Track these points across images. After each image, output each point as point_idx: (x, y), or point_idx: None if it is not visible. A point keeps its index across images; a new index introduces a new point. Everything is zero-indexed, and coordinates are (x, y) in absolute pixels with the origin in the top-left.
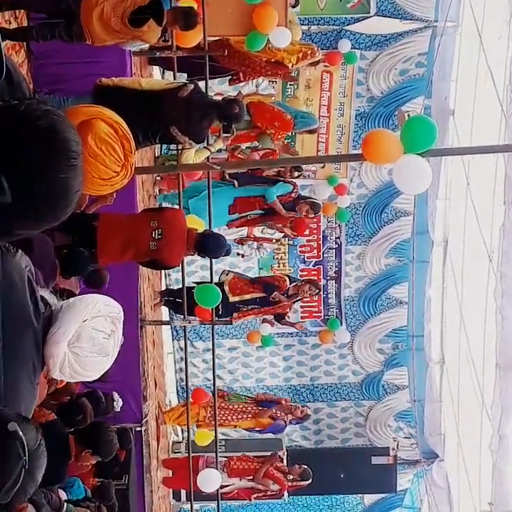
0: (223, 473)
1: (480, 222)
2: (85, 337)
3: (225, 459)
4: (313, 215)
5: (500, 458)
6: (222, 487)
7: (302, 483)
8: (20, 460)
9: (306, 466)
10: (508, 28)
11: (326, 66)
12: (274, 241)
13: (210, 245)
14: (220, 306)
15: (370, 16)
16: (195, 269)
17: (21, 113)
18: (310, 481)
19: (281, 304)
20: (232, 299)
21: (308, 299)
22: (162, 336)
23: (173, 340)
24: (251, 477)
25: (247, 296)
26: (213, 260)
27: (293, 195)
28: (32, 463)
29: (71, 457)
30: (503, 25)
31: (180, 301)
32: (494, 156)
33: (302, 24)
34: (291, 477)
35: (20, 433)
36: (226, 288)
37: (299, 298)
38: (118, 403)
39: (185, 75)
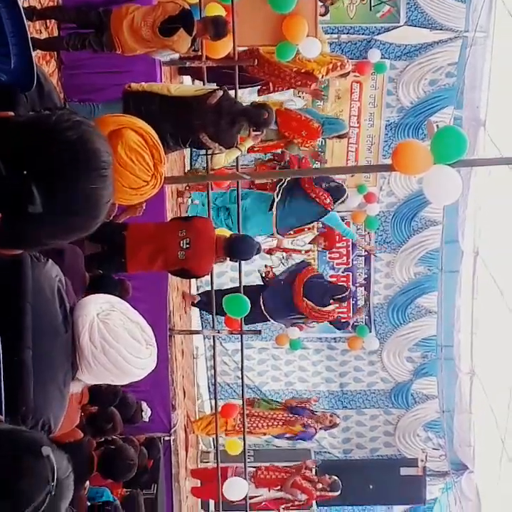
0: (251, 483)
1: None
2: (116, 317)
3: (253, 469)
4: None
5: None
6: (250, 498)
7: (331, 493)
8: (47, 485)
9: (336, 477)
10: None
11: (355, 76)
12: (302, 252)
13: (240, 248)
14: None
15: (400, 26)
16: (225, 268)
17: (52, 124)
18: (339, 492)
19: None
20: None
21: (338, 306)
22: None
23: (203, 338)
24: (279, 487)
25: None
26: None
27: None
28: (59, 491)
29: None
30: None
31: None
32: None
33: (332, 33)
34: (320, 486)
35: (53, 458)
36: None
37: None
38: (146, 413)
39: (215, 84)
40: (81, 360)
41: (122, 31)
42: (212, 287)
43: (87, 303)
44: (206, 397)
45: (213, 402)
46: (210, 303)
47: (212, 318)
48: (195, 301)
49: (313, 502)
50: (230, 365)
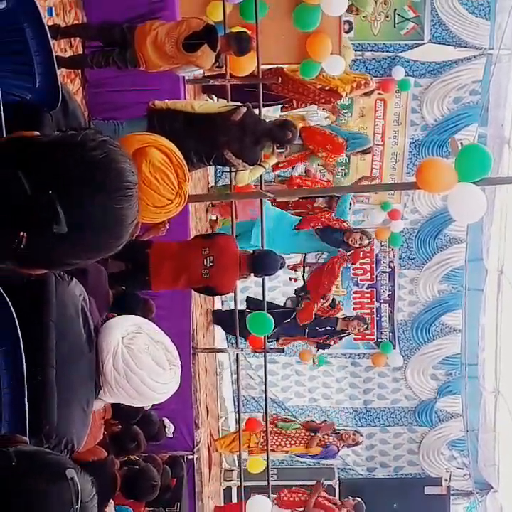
0: (274, 504)
1: None
2: (140, 341)
3: (275, 495)
4: (367, 242)
5: None
6: None
7: None
8: (71, 508)
9: (359, 499)
10: None
11: (379, 94)
12: None
13: (264, 263)
14: None
15: (424, 43)
16: (249, 283)
17: (78, 144)
18: None
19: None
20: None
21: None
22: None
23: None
24: (302, 509)
25: None
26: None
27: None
28: None
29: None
30: None
31: (231, 323)
32: None
33: (356, 50)
34: (345, 510)
35: (77, 481)
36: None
37: (347, 333)
38: (169, 429)
39: (239, 103)
40: (104, 383)
41: (146, 47)
42: (235, 304)
43: (113, 326)
44: (231, 410)
45: (237, 415)
46: (230, 322)
47: (236, 336)
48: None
49: None
50: (255, 379)
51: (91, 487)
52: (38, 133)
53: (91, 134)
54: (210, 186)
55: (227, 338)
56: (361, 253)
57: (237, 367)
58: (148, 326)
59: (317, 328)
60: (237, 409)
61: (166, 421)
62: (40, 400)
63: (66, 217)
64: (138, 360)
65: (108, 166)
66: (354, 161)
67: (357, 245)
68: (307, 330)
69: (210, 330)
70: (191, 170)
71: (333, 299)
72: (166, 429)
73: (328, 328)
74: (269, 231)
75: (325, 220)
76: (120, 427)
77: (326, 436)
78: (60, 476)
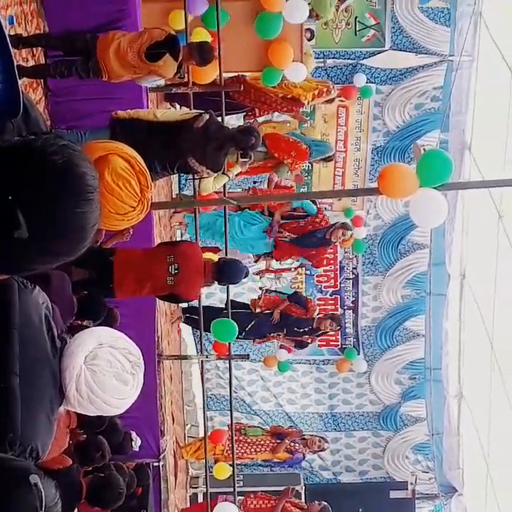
0: (241, 511)
1: None
2: (102, 358)
3: (242, 497)
4: (350, 234)
5: None
6: None
7: None
8: None
9: (325, 503)
10: None
11: (341, 101)
12: (292, 270)
13: (228, 272)
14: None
15: (385, 50)
16: (214, 290)
17: (38, 148)
18: None
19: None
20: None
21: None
22: (186, 344)
23: (197, 352)
24: None
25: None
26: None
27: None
28: None
29: (80, 502)
30: None
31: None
32: None
33: (317, 57)
34: None
35: (41, 486)
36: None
37: (322, 332)
38: (136, 442)
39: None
40: (66, 402)
41: (109, 57)
42: (200, 310)
43: (76, 348)
44: (200, 406)
45: (204, 423)
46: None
47: (201, 343)
48: (181, 320)
49: None
50: (224, 378)
51: (55, 492)
52: None
53: (51, 138)
54: (173, 195)
55: (194, 341)
56: (324, 260)
57: (202, 376)
58: (109, 337)
59: (296, 328)
60: (204, 415)
61: (133, 435)
62: (4, 407)
63: (27, 222)
64: (101, 383)
65: (69, 170)
66: (317, 168)
67: (340, 241)
68: (285, 330)
69: (175, 338)
70: (156, 178)
71: (305, 297)
72: (133, 443)
73: (307, 328)
74: (239, 233)
75: (298, 228)
76: (85, 436)
77: (293, 444)
78: (24, 482)
